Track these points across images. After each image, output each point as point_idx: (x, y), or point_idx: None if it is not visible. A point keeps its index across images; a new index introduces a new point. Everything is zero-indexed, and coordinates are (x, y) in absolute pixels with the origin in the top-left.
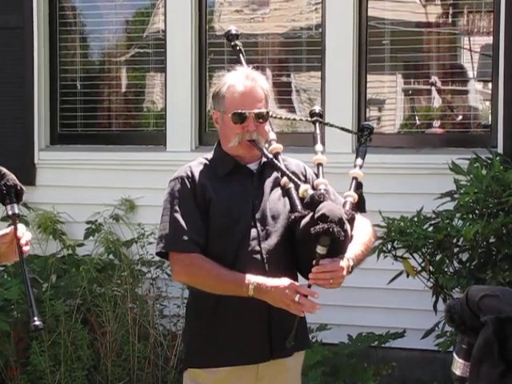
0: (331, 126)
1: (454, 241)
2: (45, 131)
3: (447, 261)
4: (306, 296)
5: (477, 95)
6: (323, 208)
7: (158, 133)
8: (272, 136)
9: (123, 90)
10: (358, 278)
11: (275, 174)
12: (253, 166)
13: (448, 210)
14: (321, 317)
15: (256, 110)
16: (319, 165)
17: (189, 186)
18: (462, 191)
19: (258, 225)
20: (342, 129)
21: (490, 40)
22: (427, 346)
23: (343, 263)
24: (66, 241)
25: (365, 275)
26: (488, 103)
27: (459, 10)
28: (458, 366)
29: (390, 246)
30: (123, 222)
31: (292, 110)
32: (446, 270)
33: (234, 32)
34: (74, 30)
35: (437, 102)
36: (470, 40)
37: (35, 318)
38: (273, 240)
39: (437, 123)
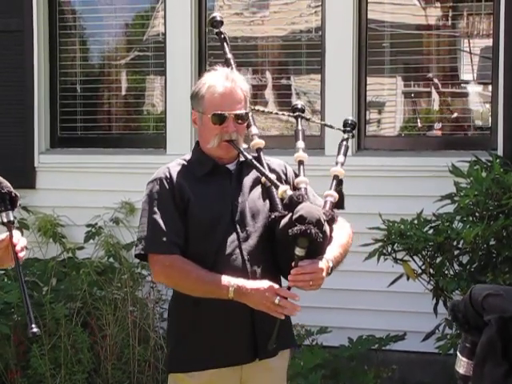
0: (314, 121)
1: (455, 243)
2: (45, 134)
3: (447, 263)
4: (286, 298)
5: (476, 97)
6: (301, 209)
7: (158, 136)
8: (254, 131)
9: (123, 93)
10: (358, 281)
11: (254, 173)
12: (231, 166)
13: (448, 212)
14: (321, 319)
15: (236, 111)
16: (300, 162)
17: (167, 187)
18: (462, 194)
19: (238, 226)
20: (325, 125)
21: (489, 42)
22: (428, 349)
23: (322, 264)
24: (66, 244)
25: (365, 278)
26: (488, 105)
27: (459, 12)
28: (462, 365)
29: (390, 249)
30: (123, 225)
31: None
32: (446, 272)
33: (218, 19)
34: (73, 33)
35: (437, 104)
36: (469, 42)
37: (33, 326)
38: (253, 240)
39: (437, 126)
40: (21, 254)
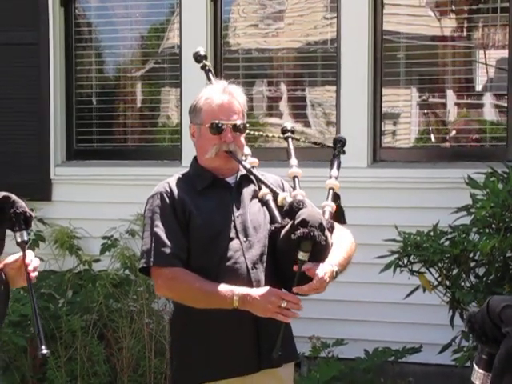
0: (303, 141)
1: (471, 255)
2: (61, 147)
3: (464, 275)
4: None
5: (492, 109)
6: (303, 214)
7: (174, 148)
8: (247, 151)
9: (138, 105)
10: (374, 293)
11: (253, 187)
12: (230, 180)
13: (464, 224)
14: (337, 331)
15: (233, 122)
16: (295, 177)
17: (168, 201)
18: (478, 205)
19: (241, 236)
20: (315, 143)
21: (505, 53)
22: (444, 361)
23: (326, 268)
24: (82, 256)
25: (381, 290)
26: (504, 117)
27: (474, 23)
28: (478, 377)
29: (406, 261)
30: (139, 237)
31: (307, 124)
32: (462, 284)
33: (202, 53)
34: (89, 45)
35: (452, 115)
36: (485, 53)
37: (43, 347)
38: (256, 250)
39: (452, 137)
40: (33, 275)
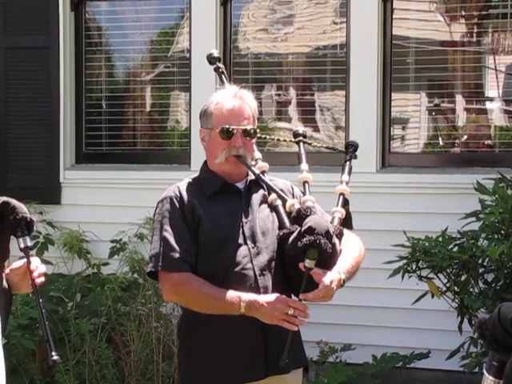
0: (315, 146)
1: (480, 261)
2: (70, 150)
3: (472, 281)
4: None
5: (502, 114)
6: (310, 221)
7: (183, 152)
8: (258, 155)
9: (148, 109)
10: (382, 298)
11: (262, 192)
12: (240, 185)
13: (473, 230)
14: (345, 336)
15: (244, 127)
16: (305, 183)
17: (177, 205)
18: (487, 211)
19: (249, 242)
20: (327, 147)
21: None
22: (452, 367)
23: (333, 276)
24: (90, 260)
25: (389, 295)
26: None
27: (484, 29)
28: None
29: (414, 266)
30: (148, 241)
31: (316, 129)
32: (471, 290)
33: (215, 55)
34: (99, 49)
35: (461, 120)
36: (494, 59)
37: (53, 353)
38: (264, 257)
39: (461, 142)
40: (38, 280)
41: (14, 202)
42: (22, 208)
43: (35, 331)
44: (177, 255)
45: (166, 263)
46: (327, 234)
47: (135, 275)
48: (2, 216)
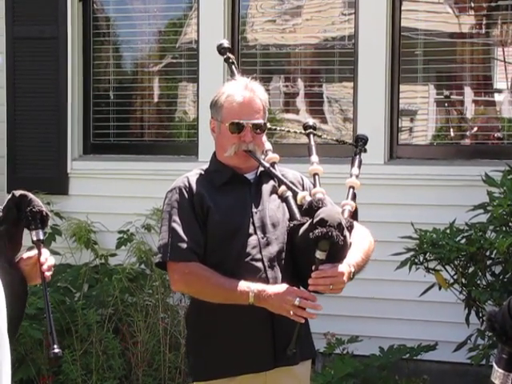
0: (325, 138)
1: (487, 253)
2: (78, 141)
3: (480, 273)
4: (306, 300)
5: (510, 106)
6: (322, 213)
7: (190, 143)
8: (268, 146)
9: (156, 100)
10: (389, 290)
11: (272, 183)
12: (250, 176)
13: (481, 222)
14: (352, 328)
15: (254, 121)
16: (315, 175)
17: (186, 196)
18: (495, 203)
19: (259, 232)
20: (337, 141)
21: None
22: (459, 359)
23: (344, 268)
24: (98, 250)
25: (397, 287)
26: None
27: (493, 20)
28: (498, 376)
29: (422, 258)
30: (155, 232)
31: (324, 120)
32: (478, 282)
33: (226, 45)
34: (107, 40)
35: (470, 112)
36: (503, 51)
37: (55, 346)
38: (274, 248)
39: (470, 134)
40: (47, 273)
41: (30, 195)
42: (39, 202)
43: (42, 321)
44: (185, 245)
45: (175, 254)
46: (339, 227)
47: (142, 266)
48: (18, 208)
